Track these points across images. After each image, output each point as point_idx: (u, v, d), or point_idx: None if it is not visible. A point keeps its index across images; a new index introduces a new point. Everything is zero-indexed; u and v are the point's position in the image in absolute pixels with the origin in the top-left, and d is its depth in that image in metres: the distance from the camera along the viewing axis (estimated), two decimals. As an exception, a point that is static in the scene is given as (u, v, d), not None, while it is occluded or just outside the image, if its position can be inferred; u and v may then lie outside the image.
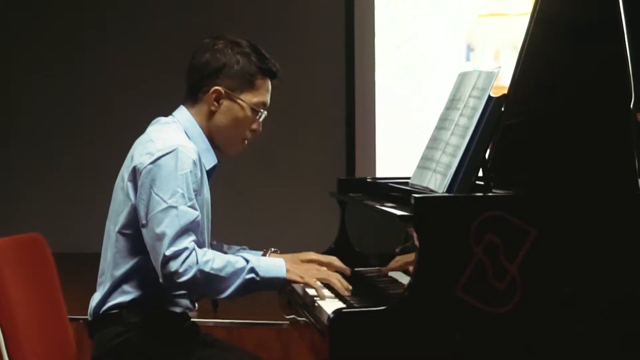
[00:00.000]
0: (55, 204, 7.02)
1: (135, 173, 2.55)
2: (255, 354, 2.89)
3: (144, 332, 2.58)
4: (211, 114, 2.66)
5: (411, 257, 2.32)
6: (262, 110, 2.70)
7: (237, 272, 2.50)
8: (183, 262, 2.45)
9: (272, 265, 2.56)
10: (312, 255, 2.76)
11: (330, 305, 2.43)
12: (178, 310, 2.65)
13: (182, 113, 2.69)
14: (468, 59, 6.48)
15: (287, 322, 2.98)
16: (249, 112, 2.67)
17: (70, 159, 6.99)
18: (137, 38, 6.90)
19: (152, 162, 2.51)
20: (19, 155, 7.27)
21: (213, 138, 2.69)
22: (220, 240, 2.90)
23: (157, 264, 2.47)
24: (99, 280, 2.66)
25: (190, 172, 2.52)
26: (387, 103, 6.60)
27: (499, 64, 6.32)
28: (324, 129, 6.88)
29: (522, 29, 2.96)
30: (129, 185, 2.56)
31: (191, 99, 2.69)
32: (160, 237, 2.46)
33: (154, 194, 2.49)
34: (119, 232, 2.59)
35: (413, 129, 6.41)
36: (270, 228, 6.58)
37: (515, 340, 2.27)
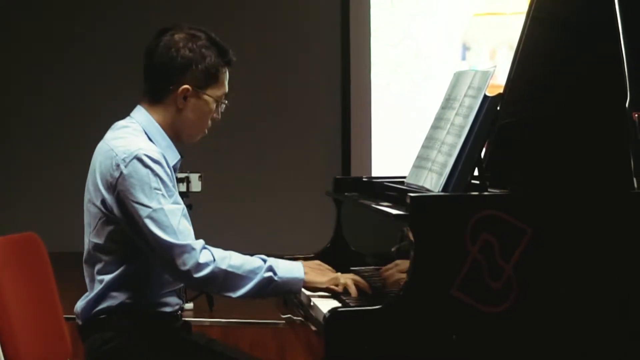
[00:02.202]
0: (51, 204, 7.02)
1: (106, 187, 2.51)
2: (251, 353, 2.88)
3: (135, 336, 2.56)
4: (178, 111, 2.61)
5: (406, 263, 2.32)
6: (224, 101, 2.67)
7: (254, 270, 2.48)
8: (198, 257, 2.44)
9: (290, 265, 2.54)
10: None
11: (326, 304, 2.43)
12: (168, 309, 2.63)
13: (141, 113, 2.64)
14: (464, 58, 6.49)
15: (283, 321, 2.97)
16: (213, 106, 2.64)
17: (66, 158, 6.98)
18: (137, 38, 6.86)
19: (121, 174, 2.48)
20: (15, 154, 7.27)
21: (177, 132, 2.64)
22: (219, 244, 2.89)
23: (171, 266, 2.46)
24: (86, 282, 2.65)
25: (159, 169, 2.50)
26: (383, 102, 6.61)
27: (494, 63, 6.33)
28: (320, 128, 6.88)
29: (518, 28, 2.96)
30: (100, 199, 2.53)
31: (153, 98, 2.64)
32: (162, 241, 2.44)
33: (135, 205, 2.46)
34: (99, 246, 2.56)
35: (409, 128, 6.42)
36: (266, 227, 6.58)
37: (510, 340, 2.27)
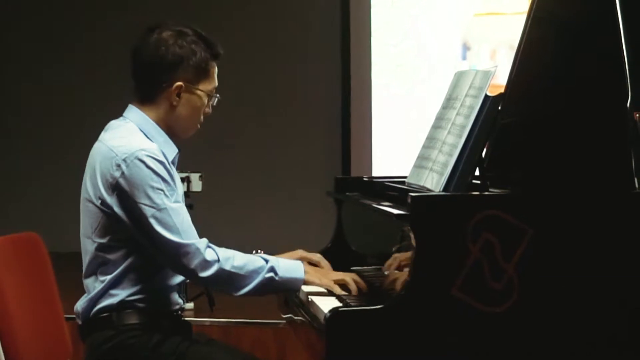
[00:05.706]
0: (52, 203, 7.01)
1: (106, 187, 2.53)
2: (252, 353, 2.88)
3: (134, 334, 2.56)
4: (171, 108, 2.62)
5: (408, 255, 2.32)
6: (216, 95, 2.69)
7: (257, 271, 2.53)
8: (203, 257, 2.48)
9: (291, 265, 2.59)
10: (301, 253, 2.78)
11: (326, 304, 2.43)
12: (168, 308, 2.64)
13: (134, 112, 2.65)
14: (464, 58, 6.49)
15: (284, 321, 2.97)
16: (205, 100, 2.66)
17: (67, 158, 6.97)
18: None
19: (122, 175, 2.50)
20: (15, 154, 7.26)
21: (172, 128, 2.66)
22: (220, 244, 2.89)
23: (178, 266, 2.50)
24: (84, 282, 2.65)
25: (161, 169, 2.52)
26: (383, 102, 6.60)
27: (495, 62, 6.32)
28: (320, 128, 6.88)
29: (519, 27, 2.95)
30: (100, 198, 2.54)
31: (145, 97, 2.64)
32: (167, 241, 2.47)
33: (139, 205, 2.48)
34: (103, 246, 2.57)
35: (409, 128, 6.41)
36: (266, 227, 6.58)
37: (511, 340, 2.27)
